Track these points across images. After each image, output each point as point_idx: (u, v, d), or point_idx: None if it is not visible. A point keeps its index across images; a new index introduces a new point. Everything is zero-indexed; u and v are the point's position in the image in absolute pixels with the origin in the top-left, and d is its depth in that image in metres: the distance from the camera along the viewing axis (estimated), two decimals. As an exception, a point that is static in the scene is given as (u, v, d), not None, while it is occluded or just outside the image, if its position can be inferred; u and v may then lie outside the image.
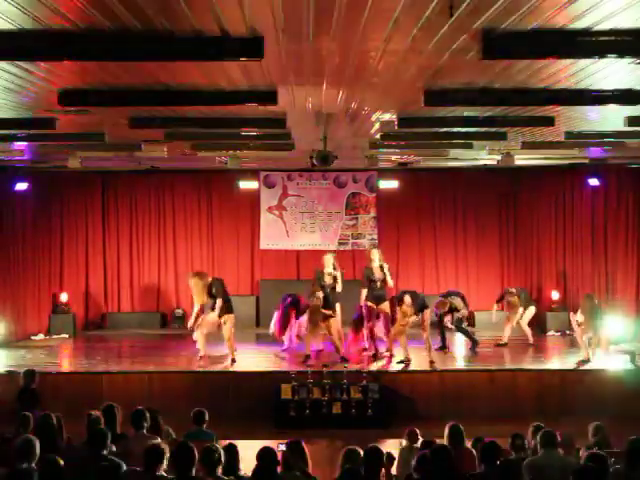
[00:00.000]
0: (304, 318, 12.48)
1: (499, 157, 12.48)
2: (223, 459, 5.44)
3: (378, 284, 12.26)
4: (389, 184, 15.68)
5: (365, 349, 12.67)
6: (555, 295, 15.71)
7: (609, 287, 15.03)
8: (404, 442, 7.19)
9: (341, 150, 11.96)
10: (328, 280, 12.29)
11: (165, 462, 5.34)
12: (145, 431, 6.73)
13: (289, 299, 12.84)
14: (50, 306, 15.62)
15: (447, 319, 13.07)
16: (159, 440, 6.18)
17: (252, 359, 12.60)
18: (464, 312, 13.03)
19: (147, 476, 5.30)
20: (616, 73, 6.68)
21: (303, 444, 5.84)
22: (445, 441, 6.44)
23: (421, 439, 6.95)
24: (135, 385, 11.29)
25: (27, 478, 5.13)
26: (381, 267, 12.29)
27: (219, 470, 5.41)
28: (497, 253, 16.31)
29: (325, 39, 5.58)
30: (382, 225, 16.26)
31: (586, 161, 13.54)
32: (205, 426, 7.34)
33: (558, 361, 12.92)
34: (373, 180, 15.98)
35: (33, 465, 5.38)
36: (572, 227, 15.71)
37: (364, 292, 12.28)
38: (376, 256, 12.39)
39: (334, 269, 12.42)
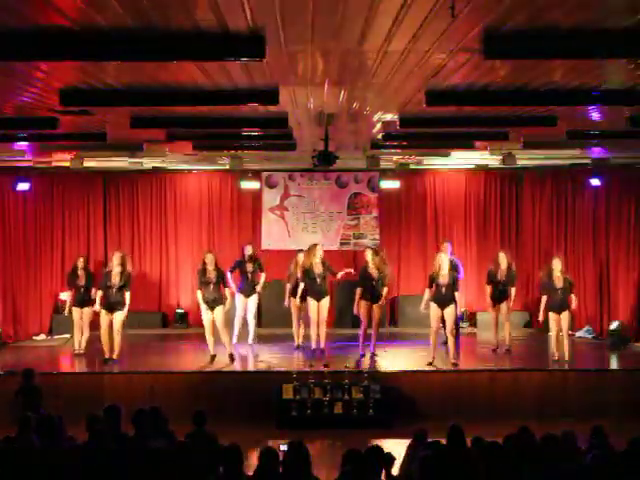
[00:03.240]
0: None
1: (501, 157, 12.48)
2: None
3: (318, 280, 12.49)
4: (391, 184, 15.65)
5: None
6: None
7: (610, 287, 15.05)
8: (410, 441, 7.15)
9: (342, 150, 11.96)
10: (374, 274, 12.22)
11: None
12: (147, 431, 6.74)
13: None
14: (52, 306, 15.62)
15: None
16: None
17: (253, 359, 12.60)
18: None
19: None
20: (617, 73, 6.68)
21: (304, 444, 5.83)
22: (446, 441, 6.43)
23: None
24: (136, 385, 11.29)
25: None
26: (323, 263, 12.55)
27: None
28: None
29: (326, 39, 5.58)
30: (384, 225, 16.25)
31: (588, 161, 13.54)
32: (205, 427, 7.32)
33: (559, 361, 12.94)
34: (375, 180, 15.96)
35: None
36: (574, 227, 15.70)
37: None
38: (318, 252, 12.59)
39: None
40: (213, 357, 12.07)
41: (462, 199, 16.36)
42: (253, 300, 13.66)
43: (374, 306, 12.29)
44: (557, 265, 12.27)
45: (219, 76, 6.81)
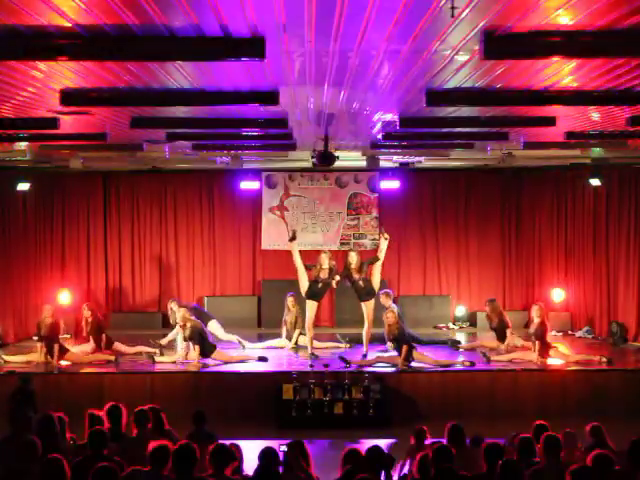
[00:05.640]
0: None
1: (501, 157, 12.48)
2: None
3: (320, 285, 12.36)
4: (390, 184, 15.64)
5: None
6: (556, 295, 15.73)
7: (609, 287, 15.05)
8: (410, 441, 7.15)
9: (342, 150, 11.97)
10: (355, 276, 12.32)
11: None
12: (148, 431, 6.74)
13: None
14: (51, 306, 15.63)
15: None
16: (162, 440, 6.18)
17: (253, 359, 12.59)
18: None
19: (153, 476, 5.30)
20: (616, 73, 6.67)
21: (305, 444, 5.84)
22: (446, 441, 6.43)
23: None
24: (137, 385, 11.29)
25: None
26: (330, 270, 12.40)
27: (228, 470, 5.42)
28: (499, 253, 16.29)
29: (326, 39, 5.58)
30: (384, 225, 16.21)
31: (587, 161, 13.53)
32: (205, 426, 7.32)
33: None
34: (375, 180, 15.96)
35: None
36: (574, 227, 15.71)
37: None
38: (325, 260, 12.42)
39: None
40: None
41: (462, 199, 16.35)
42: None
43: (363, 304, 12.36)
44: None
45: (220, 76, 6.81)
